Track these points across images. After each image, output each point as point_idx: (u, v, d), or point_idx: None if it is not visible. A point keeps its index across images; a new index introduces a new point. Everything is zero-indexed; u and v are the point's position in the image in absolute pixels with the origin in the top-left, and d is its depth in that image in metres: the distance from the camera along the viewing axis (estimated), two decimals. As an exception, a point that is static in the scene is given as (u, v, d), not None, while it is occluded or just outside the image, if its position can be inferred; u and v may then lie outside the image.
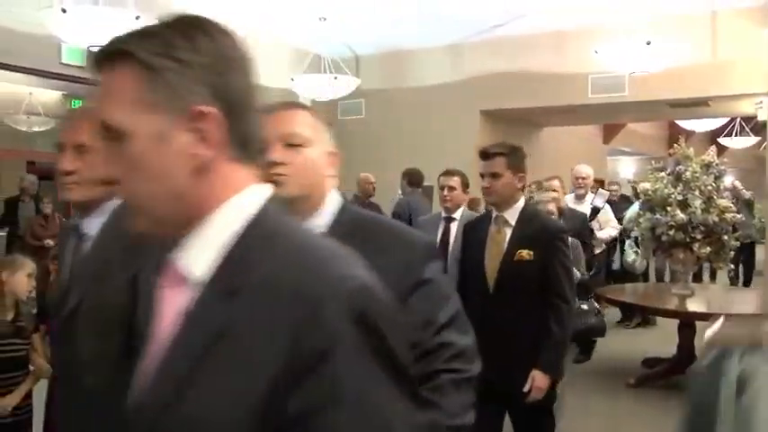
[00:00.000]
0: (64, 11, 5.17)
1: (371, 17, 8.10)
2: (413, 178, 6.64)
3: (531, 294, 3.03)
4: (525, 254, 3.03)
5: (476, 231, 3.31)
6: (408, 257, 1.50)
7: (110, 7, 5.46)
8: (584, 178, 6.74)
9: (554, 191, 5.47)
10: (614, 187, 9.30)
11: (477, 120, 9.49)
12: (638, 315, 8.15)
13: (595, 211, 6.70)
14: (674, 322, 6.28)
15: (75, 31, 5.48)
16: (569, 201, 6.39)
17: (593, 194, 6.90)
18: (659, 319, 7.82)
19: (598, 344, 6.56)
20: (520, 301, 3.02)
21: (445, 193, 4.44)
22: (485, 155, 3.13)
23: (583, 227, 5.58)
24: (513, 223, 3.12)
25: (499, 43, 9.01)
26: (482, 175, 3.14)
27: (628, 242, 7.27)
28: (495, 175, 3.08)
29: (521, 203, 3.16)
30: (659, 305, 6.30)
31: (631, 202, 8.36)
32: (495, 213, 3.20)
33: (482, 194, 3.38)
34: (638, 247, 6.78)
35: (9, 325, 3.27)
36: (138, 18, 5.38)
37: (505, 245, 3.09)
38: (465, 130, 9.39)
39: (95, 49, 0.96)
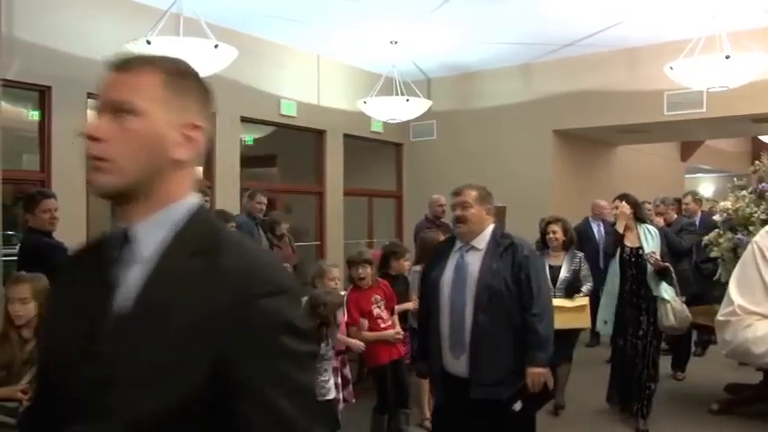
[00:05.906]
0: (149, 42, 5.41)
1: (442, 39, 8.17)
2: None
3: None
4: None
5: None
6: None
7: (191, 38, 5.68)
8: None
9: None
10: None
11: (550, 140, 9.40)
12: None
13: None
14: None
15: (159, 62, 5.72)
16: None
17: None
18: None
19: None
20: None
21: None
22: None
23: None
24: None
25: (570, 62, 8.94)
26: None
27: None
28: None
29: None
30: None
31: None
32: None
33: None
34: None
35: None
36: (216, 47, 5.61)
37: None
38: (537, 150, 9.32)
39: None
